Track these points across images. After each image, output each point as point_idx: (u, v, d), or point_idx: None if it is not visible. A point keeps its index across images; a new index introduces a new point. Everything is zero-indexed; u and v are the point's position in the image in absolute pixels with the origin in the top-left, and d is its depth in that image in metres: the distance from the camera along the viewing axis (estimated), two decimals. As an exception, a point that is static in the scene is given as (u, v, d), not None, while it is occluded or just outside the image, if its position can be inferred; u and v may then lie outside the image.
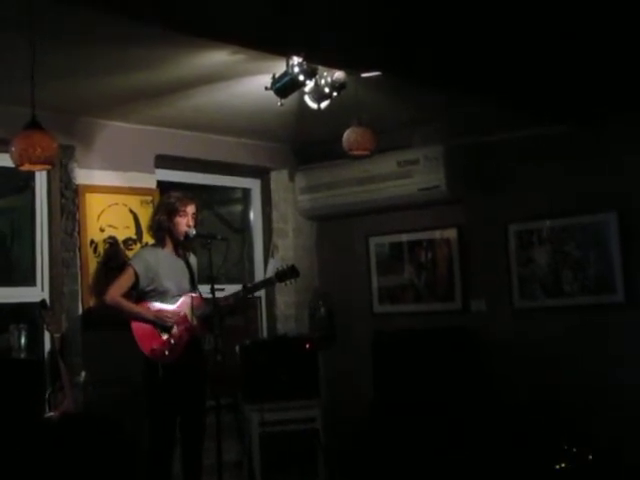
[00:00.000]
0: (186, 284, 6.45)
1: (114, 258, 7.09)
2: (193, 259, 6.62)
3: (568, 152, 7.29)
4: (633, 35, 5.19)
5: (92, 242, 7.05)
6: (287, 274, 6.69)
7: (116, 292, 6.35)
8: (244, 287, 6.63)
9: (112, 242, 7.14)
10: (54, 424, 6.10)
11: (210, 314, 6.21)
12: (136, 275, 6.36)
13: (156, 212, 6.56)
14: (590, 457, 6.61)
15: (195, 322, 6.36)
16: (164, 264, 6.39)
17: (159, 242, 6.49)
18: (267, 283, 7.01)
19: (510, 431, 7.13)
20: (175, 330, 6.30)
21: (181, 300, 6.39)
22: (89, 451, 6.03)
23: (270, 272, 7.94)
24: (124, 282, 6.38)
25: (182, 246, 6.48)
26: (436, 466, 6.98)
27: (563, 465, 6.60)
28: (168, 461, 6.30)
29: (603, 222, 7.18)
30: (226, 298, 6.47)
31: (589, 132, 7.14)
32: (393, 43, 5.06)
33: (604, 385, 7.02)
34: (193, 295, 6.42)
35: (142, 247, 7.09)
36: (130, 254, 7.04)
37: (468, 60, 5.56)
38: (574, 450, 6.67)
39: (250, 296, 6.84)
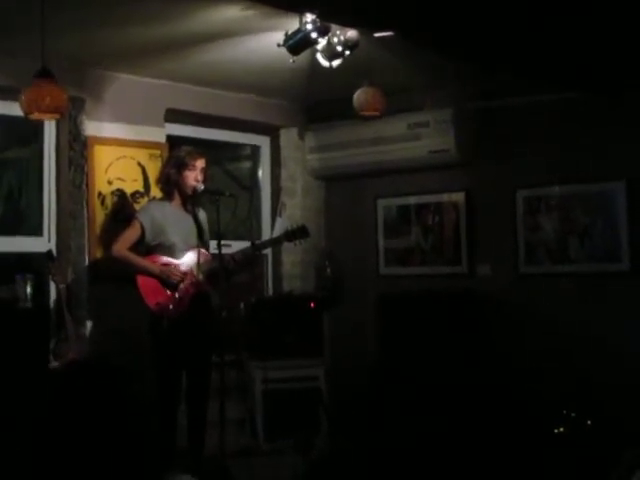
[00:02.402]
0: (193, 239, 6.43)
1: (122, 211, 7.10)
2: (202, 215, 6.60)
3: (579, 119, 7.26)
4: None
5: (100, 194, 7.06)
6: (297, 234, 6.65)
7: (122, 245, 6.36)
8: (252, 244, 6.62)
9: (120, 195, 7.15)
10: (59, 373, 6.14)
11: (217, 270, 6.21)
12: (142, 228, 6.35)
13: (165, 165, 6.55)
14: (589, 422, 6.64)
15: (201, 277, 6.36)
16: (171, 218, 6.38)
17: (167, 196, 6.48)
18: (276, 242, 7.00)
19: (511, 395, 7.16)
20: (181, 285, 6.31)
21: (188, 255, 6.39)
22: (94, 400, 6.08)
23: (278, 231, 7.95)
24: (130, 235, 6.38)
25: (190, 201, 6.47)
26: (436, 427, 7.00)
27: (562, 430, 6.63)
28: (174, 413, 6.33)
29: (611, 191, 7.16)
30: (234, 254, 6.46)
31: (601, 100, 7.10)
32: (407, 4, 5.03)
33: (605, 352, 7.05)
34: (201, 250, 6.41)
35: (149, 201, 7.10)
36: (138, 207, 7.05)
37: (482, 26, 5.52)
38: (573, 415, 6.70)
39: (257, 253, 6.84)
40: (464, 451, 6.59)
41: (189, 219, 6.48)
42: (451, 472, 6.31)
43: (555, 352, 7.25)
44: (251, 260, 6.86)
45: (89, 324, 6.83)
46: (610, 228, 7.14)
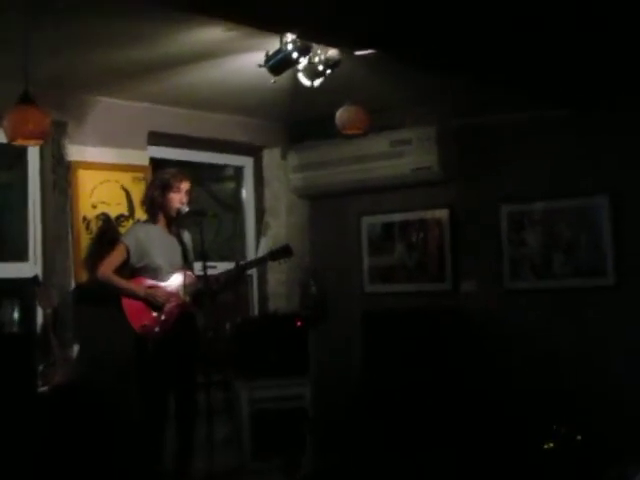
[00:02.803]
0: (178, 260, 6.43)
1: (107, 234, 7.09)
2: (187, 236, 6.60)
3: (561, 135, 7.30)
4: (632, 21, 5.19)
5: (84, 219, 7.06)
6: (280, 253, 6.68)
7: (107, 268, 6.34)
8: (237, 265, 6.63)
9: (105, 219, 7.14)
10: (46, 398, 6.12)
11: (202, 290, 6.22)
12: (127, 251, 6.34)
13: (149, 187, 6.53)
14: (578, 438, 6.65)
15: (187, 298, 6.36)
16: (156, 240, 6.37)
17: (151, 218, 6.47)
18: (260, 261, 7.02)
19: (499, 411, 7.17)
20: (166, 307, 6.30)
21: (173, 277, 6.38)
22: (81, 424, 6.06)
23: (262, 250, 7.96)
24: (115, 258, 6.37)
25: (175, 223, 6.47)
26: (423, 445, 7.01)
27: (551, 445, 6.64)
28: (159, 436, 6.31)
29: (595, 205, 7.19)
30: (218, 275, 6.46)
31: (582, 116, 7.14)
32: (388, 22, 5.05)
33: (592, 367, 7.07)
34: (185, 272, 6.41)
35: (134, 223, 7.09)
36: (122, 231, 7.04)
37: (465, 42, 5.55)
38: (562, 430, 6.71)
39: (242, 274, 6.84)
40: (452, 468, 6.59)
41: (174, 241, 6.47)
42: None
43: (542, 368, 7.26)
44: (236, 280, 6.86)
45: (76, 347, 6.81)
46: (594, 242, 7.16)
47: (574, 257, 7.26)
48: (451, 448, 6.89)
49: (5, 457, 5.65)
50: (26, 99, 5.08)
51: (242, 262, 6.83)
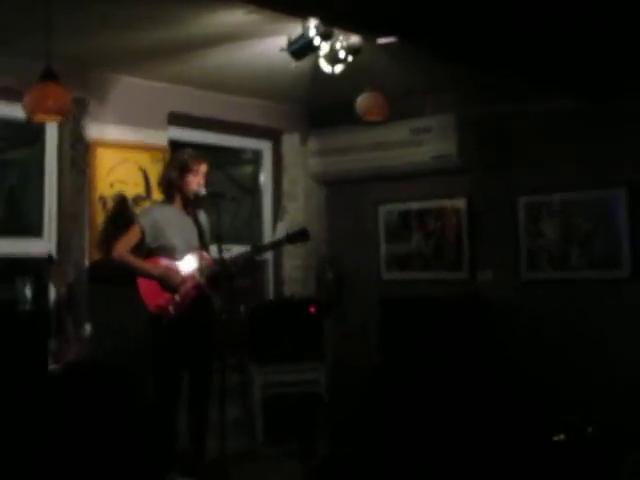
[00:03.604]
0: (195, 241, 6.43)
1: (120, 215, 7.10)
2: (203, 216, 6.58)
3: (580, 126, 7.26)
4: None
5: (101, 197, 7.07)
6: (298, 237, 6.64)
7: (123, 248, 6.35)
8: (253, 246, 6.61)
9: (118, 200, 7.13)
10: (58, 375, 6.14)
11: (218, 273, 6.22)
12: (142, 231, 6.35)
13: (167, 168, 6.50)
14: (590, 429, 6.63)
15: (203, 280, 6.36)
16: (172, 221, 6.37)
17: (168, 199, 6.47)
18: (277, 244, 6.95)
19: (511, 401, 7.16)
20: (182, 287, 6.30)
21: (189, 257, 6.39)
22: (93, 401, 6.08)
23: (279, 234, 7.94)
24: (130, 238, 6.37)
25: (191, 204, 6.47)
26: (437, 433, 7.00)
27: (562, 437, 6.62)
28: (173, 415, 6.32)
29: (612, 197, 7.16)
30: (235, 258, 6.45)
31: (602, 107, 7.11)
32: (411, 10, 5.04)
33: (606, 359, 7.05)
34: (202, 253, 6.41)
35: (150, 204, 7.09)
36: (139, 211, 7.05)
37: (485, 32, 5.53)
38: (573, 422, 6.69)
39: (258, 256, 6.82)
40: (464, 456, 6.59)
41: (190, 221, 6.47)
42: (451, 475, 6.32)
43: (555, 358, 7.25)
44: (252, 263, 6.84)
45: (88, 327, 6.82)
46: (611, 234, 7.14)
47: (591, 249, 7.24)
48: (463, 435, 6.88)
49: (16, 435, 5.67)
50: (49, 75, 5.08)
51: (259, 244, 6.78)
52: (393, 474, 6.48)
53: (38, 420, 5.77)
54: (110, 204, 7.10)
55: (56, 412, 5.88)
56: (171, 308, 6.24)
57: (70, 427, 5.90)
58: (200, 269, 6.33)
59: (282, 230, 8.28)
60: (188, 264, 6.37)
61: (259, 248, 6.65)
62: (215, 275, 6.30)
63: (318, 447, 7.38)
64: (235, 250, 6.67)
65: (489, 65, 6.37)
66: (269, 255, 8.51)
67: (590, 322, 7.17)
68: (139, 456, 6.18)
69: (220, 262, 6.10)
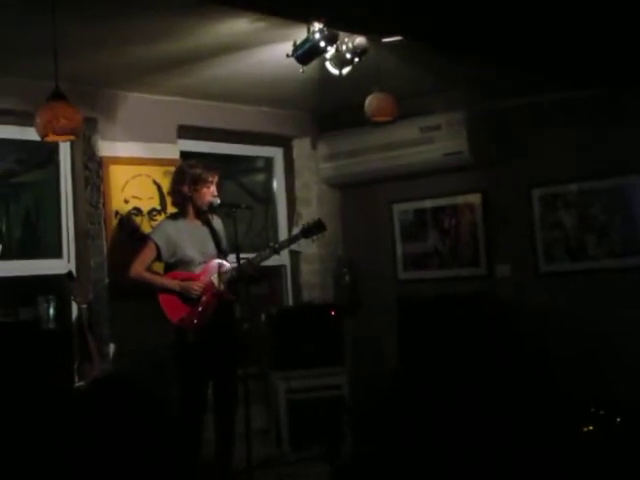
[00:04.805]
0: (212, 249, 6.44)
1: (128, 231, 7.10)
2: (217, 222, 6.58)
3: (593, 116, 7.25)
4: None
5: (117, 213, 7.08)
6: (313, 229, 6.61)
7: (139, 267, 6.36)
8: (269, 247, 6.58)
9: (122, 218, 7.12)
10: (83, 393, 6.16)
11: (236, 278, 6.23)
12: (157, 248, 6.37)
13: (178, 182, 6.48)
14: (618, 420, 6.61)
15: (222, 287, 6.37)
16: (186, 234, 6.38)
17: (181, 212, 6.49)
18: (293, 240, 6.82)
19: (536, 395, 7.14)
20: (203, 298, 6.31)
21: (207, 266, 6.39)
22: (119, 418, 6.09)
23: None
24: (146, 256, 6.39)
25: (204, 213, 6.47)
26: (460, 431, 6.99)
27: (590, 428, 6.61)
28: (198, 427, 6.32)
29: (629, 186, 7.15)
30: (252, 258, 6.42)
31: (614, 96, 7.10)
32: (414, 8, 5.03)
33: (630, 349, 7.03)
34: (219, 261, 6.42)
35: (162, 220, 7.06)
36: (154, 224, 7.05)
37: (492, 26, 5.51)
38: (601, 413, 6.67)
39: (277, 255, 6.76)
40: (490, 453, 6.58)
41: (204, 230, 6.49)
42: (477, 474, 6.31)
43: (578, 350, 7.23)
44: (267, 272, 6.82)
45: (112, 345, 6.83)
46: (628, 223, 7.13)
47: (608, 238, 7.22)
48: (487, 433, 6.86)
49: (42, 452, 5.68)
50: (57, 95, 5.09)
51: (275, 244, 6.70)
52: (416, 475, 6.49)
53: (65, 437, 5.79)
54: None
55: (82, 429, 5.90)
56: (195, 320, 6.24)
57: (96, 443, 5.92)
58: (219, 276, 6.35)
59: (297, 236, 8.29)
60: (206, 273, 6.38)
61: (275, 248, 6.58)
62: (234, 280, 6.31)
63: (343, 449, 7.40)
64: (253, 258, 6.66)
65: (506, 58, 6.36)
66: (286, 261, 8.52)
67: (611, 312, 7.14)
68: (165, 470, 6.20)
69: (238, 268, 6.12)
